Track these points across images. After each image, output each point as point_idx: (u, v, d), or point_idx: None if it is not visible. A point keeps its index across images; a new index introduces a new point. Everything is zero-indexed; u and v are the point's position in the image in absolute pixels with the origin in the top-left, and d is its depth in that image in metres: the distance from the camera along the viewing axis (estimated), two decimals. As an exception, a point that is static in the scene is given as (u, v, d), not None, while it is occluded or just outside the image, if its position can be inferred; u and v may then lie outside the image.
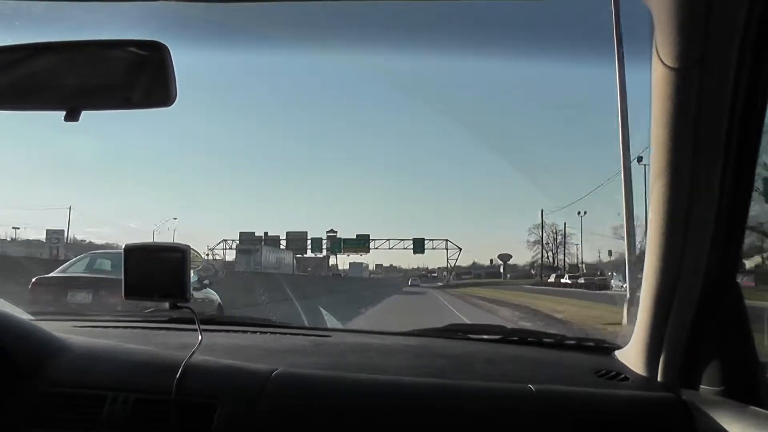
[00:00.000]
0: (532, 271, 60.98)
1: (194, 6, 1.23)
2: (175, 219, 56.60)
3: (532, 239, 60.36)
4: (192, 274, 1.49)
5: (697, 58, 1.08)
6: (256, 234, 51.41)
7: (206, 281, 9.04)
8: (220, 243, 50.92)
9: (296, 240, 52.37)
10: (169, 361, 1.44)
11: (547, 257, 60.00)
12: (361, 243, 52.48)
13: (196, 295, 8.18)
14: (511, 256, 61.82)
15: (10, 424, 1.37)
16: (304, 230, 53.48)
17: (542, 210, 52.56)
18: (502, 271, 62.18)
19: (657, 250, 1.29)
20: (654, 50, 1.14)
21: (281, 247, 49.54)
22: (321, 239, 52.90)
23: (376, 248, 53.53)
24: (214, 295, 9.43)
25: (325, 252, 53.87)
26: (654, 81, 1.17)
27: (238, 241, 48.61)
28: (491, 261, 63.68)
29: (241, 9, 1.25)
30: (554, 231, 58.91)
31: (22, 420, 1.37)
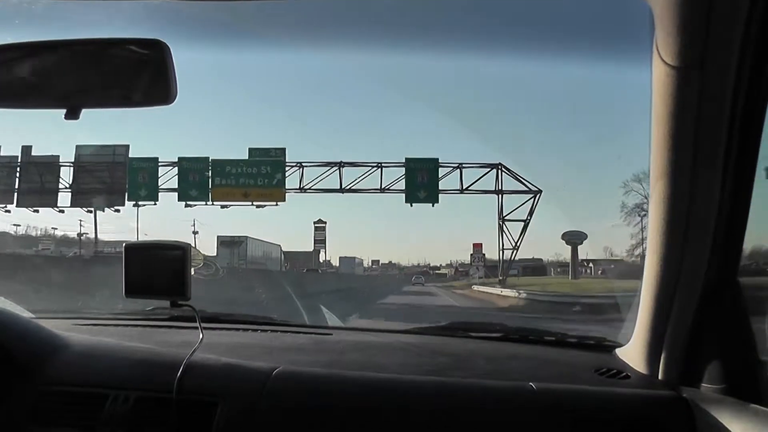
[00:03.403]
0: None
1: (195, 5, 1.23)
2: None
3: (632, 201, 26.82)
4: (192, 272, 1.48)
5: (698, 58, 1.08)
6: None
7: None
8: None
9: (99, 163, 22.29)
10: (170, 359, 1.44)
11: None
12: (264, 171, 21.83)
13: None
14: (585, 236, 27.29)
15: (11, 422, 1.37)
16: (123, 143, 22.25)
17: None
18: (570, 261, 28.83)
19: (658, 249, 1.29)
20: (655, 49, 1.14)
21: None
22: (156, 160, 22.25)
23: (305, 188, 22.44)
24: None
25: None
26: (655, 80, 1.17)
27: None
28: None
29: (242, 7, 1.26)
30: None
31: (22, 418, 1.37)
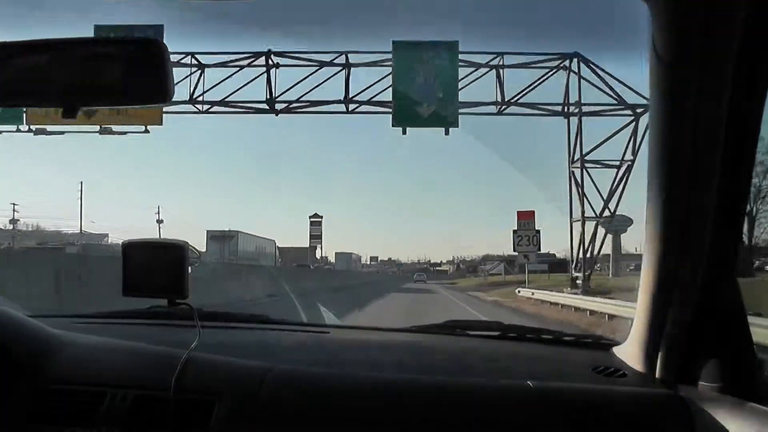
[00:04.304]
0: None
1: (192, 5, 1.23)
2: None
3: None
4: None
5: (696, 57, 1.08)
6: None
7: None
8: None
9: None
10: (168, 357, 1.44)
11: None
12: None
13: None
14: (631, 222, 18.79)
15: (9, 421, 1.37)
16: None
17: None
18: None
19: (655, 247, 1.29)
20: (653, 49, 1.14)
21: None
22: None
23: (199, 101, 13.83)
24: None
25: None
26: (652, 80, 1.17)
27: None
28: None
29: (239, 8, 1.26)
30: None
31: (21, 417, 1.37)
